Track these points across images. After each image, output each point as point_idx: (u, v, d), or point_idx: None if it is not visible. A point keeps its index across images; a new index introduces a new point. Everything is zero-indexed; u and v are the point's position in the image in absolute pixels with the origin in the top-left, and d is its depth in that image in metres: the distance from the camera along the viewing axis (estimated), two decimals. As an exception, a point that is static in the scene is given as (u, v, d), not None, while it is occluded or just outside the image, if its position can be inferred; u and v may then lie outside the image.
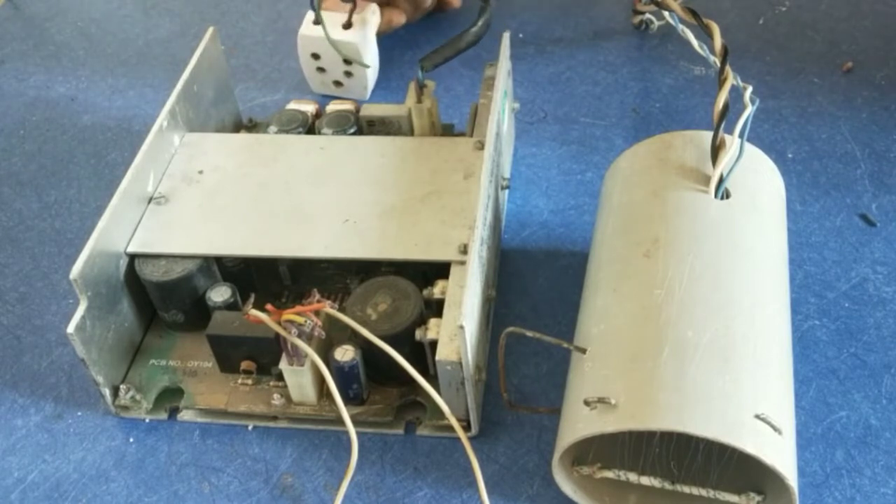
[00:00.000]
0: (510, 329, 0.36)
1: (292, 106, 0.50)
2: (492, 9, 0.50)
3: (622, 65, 0.59)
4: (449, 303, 0.38)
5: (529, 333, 0.36)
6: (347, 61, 0.53)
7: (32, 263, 0.49)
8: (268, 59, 0.61)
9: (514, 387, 0.41)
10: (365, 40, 0.53)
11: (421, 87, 0.47)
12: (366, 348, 0.38)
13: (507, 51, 0.47)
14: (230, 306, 0.41)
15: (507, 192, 0.49)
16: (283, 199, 0.43)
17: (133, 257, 0.42)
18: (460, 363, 0.36)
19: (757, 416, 0.31)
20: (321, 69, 0.54)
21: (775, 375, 0.33)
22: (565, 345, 0.36)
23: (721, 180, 0.38)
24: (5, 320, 0.46)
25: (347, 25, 0.53)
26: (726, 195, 0.38)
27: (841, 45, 0.58)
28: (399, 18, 0.57)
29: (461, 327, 0.34)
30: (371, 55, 0.54)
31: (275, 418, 0.41)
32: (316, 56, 0.54)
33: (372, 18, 0.54)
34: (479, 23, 0.49)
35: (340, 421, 0.37)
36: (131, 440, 0.41)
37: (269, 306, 0.37)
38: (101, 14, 0.68)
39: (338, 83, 0.55)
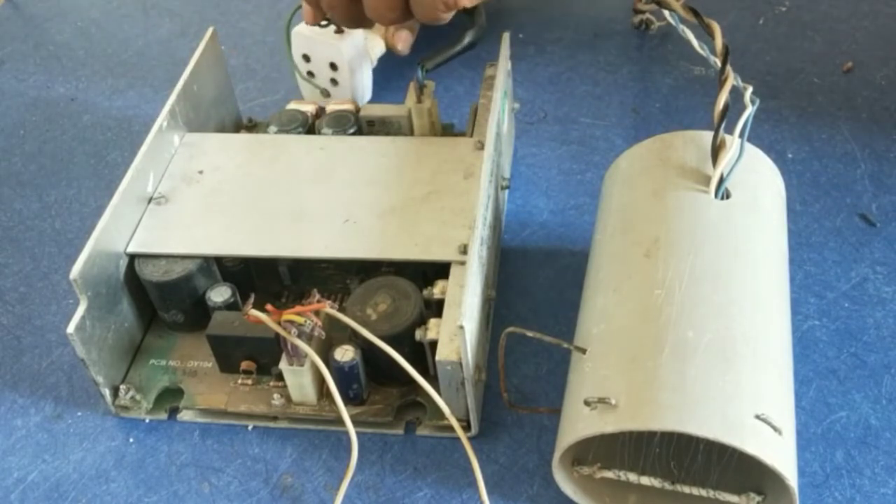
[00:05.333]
0: (510, 329, 0.36)
1: (292, 106, 0.49)
2: (485, 11, 0.50)
3: (622, 65, 0.59)
4: (449, 303, 0.38)
5: (529, 333, 0.36)
6: (334, 66, 0.52)
7: (32, 263, 0.49)
8: (268, 59, 0.61)
9: (514, 387, 0.41)
10: (353, 47, 0.52)
11: (421, 88, 0.47)
12: (366, 348, 0.38)
13: (507, 51, 0.47)
14: (230, 306, 0.41)
15: (507, 192, 0.49)
16: (283, 199, 0.43)
17: (133, 257, 0.42)
18: (460, 363, 0.36)
19: (757, 417, 0.31)
20: (311, 73, 0.54)
21: (775, 375, 0.33)
22: (565, 345, 0.36)
23: (721, 180, 0.38)
24: (5, 320, 0.46)
25: (339, 31, 0.52)
26: (726, 195, 0.38)
27: (841, 45, 0.58)
28: (409, 37, 0.56)
29: (461, 327, 0.34)
30: (358, 67, 0.52)
31: (275, 418, 0.41)
32: (307, 58, 0.53)
33: (373, 43, 0.54)
34: (477, 24, 0.49)
35: (340, 421, 0.37)
36: (131, 440, 0.41)
37: (269, 306, 0.37)
38: (101, 14, 0.68)
39: (325, 92, 0.54)
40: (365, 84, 0.53)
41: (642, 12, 0.60)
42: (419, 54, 0.49)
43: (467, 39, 0.48)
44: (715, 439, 0.31)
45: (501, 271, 0.46)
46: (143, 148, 0.43)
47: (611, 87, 0.57)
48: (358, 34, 0.52)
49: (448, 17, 0.45)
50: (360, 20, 0.47)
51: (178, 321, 0.43)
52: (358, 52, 0.52)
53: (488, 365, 0.41)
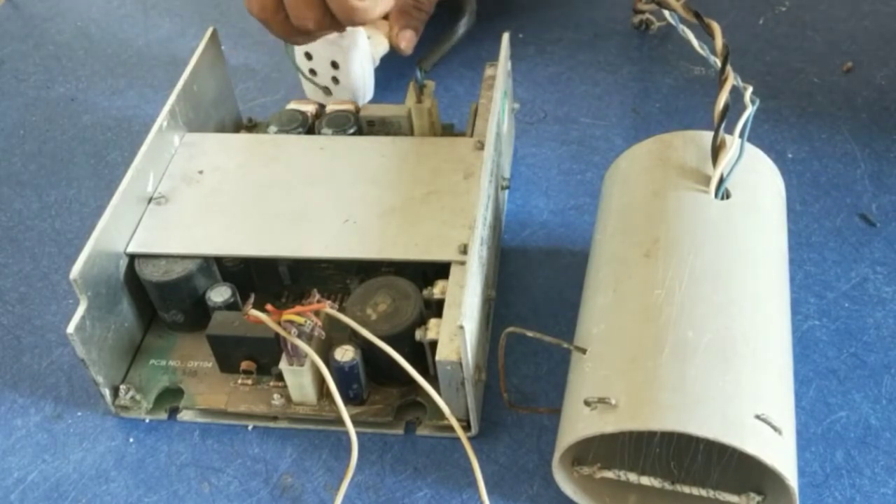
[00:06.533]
0: (510, 329, 0.36)
1: (292, 106, 0.49)
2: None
3: (622, 65, 0.59)
4: (449, 303, 0.38)
5: (529, 333, 0.36)
6: (335, 65, 0.53)
7: (32, 263, 0.49)
8: (268, 59, 0.61)
9: (514, 387, 0.41)
10: (355, 46, 0.52)
11: (420, 88, 0.47)
12: (366, 348, 0.38)
13: (507, 51, 0.47)
14: (230, 306, 0.41)
15: (507, 192, 0.49)
16: (283, 199, 0.43)
17: (133, 257, 0.42)
18: (460, 363, 0.36)
19: (757, 417, 0.31)
20: (313, 71, 0.54)
21: (775, 375, 0.33)
22: (565, 345, 0.36)
23: (721, 180, 0.38)
24: (5, 320, 0.46)
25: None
26: (726, 195, 0.38)
27: (841, 45, 0.58)
28: (412, 36, 0.55)
29: (461, 327, 0.34)
30: (360, 66, 0.52)
31: (275, 418, 0.41)
32: (309, 56, 0.54)
33: (374, 40, 0.54)
34: (467, 14, 0.49)
35: (340, 421, 0.37)
36: (131, 440, 0.41)
37: (269, 306, 0.37)
38: (101, 14, 0.68)
39: (326, 90, 0.54)
40: (367, 83, 0.53)
41: (642, 12, 0.60)
42: (422, 54, 0.49)
43: (460, 30, 0.48)
44: (715, 439, 0.31)
45: (501, 271, 0.46)
46: (143, 148, 0.43)
47: (611, 87, 0.57)
48: (360, 33, 0.52)
49: (366, 6, 0.44)
50: (292, 32, 0.46)
51: (178, 321, 0.43)
52: (359, 50, 0.52)
53: (488, 365, 0.41)
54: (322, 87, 0.54)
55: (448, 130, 0.50)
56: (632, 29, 0.61)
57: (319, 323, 0.37)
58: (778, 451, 0.31)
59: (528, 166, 0.52)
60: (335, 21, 0.45)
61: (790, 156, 0.51)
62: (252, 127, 0.52)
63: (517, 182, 0.51)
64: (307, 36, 0.48)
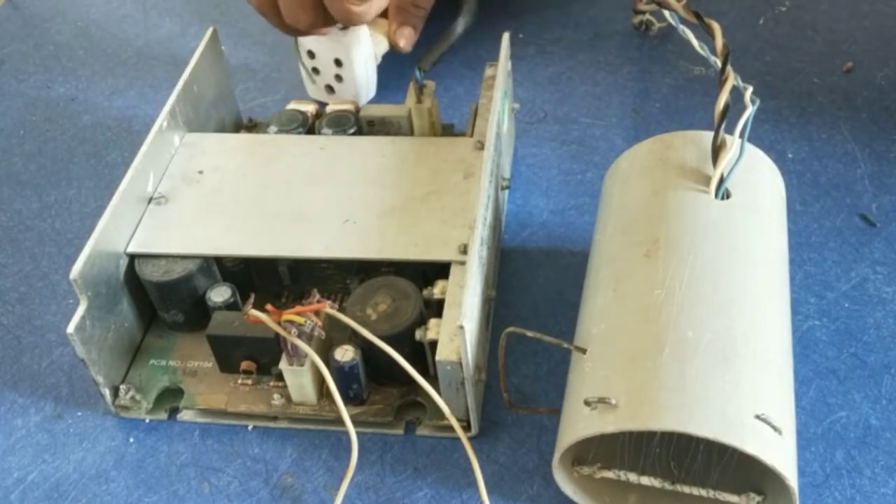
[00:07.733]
0: (510, 329, 0.36)
1: (292, 106, 0.49)
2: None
3: (622, 65, 0.59)
4: (449, 303, 0.38)
5: (529, 333, 0.36)
6: (338, 62, 0.53)
7: (32, 263, 0.49)
8: (268, 59, 0.61)
9: (514, 387, 0.41)
10: (358, 44, 0.52)
11: (420, 88, 0.47)
12: (366, 348, 0.38)
13: (507, 51, 0.47)
14: (230, 306, 0.41)
15: (507, 192, 0.49)
16: (283, 199, 0.43)
17: (133, 257, 0.42)
18: (460, 363, 0.36)
19: (757, 417, 0.31)
20: (315, 70, 0.54)
21: (775, 375, 0.33)
22: (565, 345, 0.36)
23: (721, 180, 0.38)
24: (5, 320, 0.46)
25: (344, 27, 0.52)
26: (727, 195, 0.38)
27: (841, 45, 0.58)
28: (411, 34, 0.55)
29: (461, 327, 0.34)
30: (363, 64, 0.53)
31: (275, 418, 0.41)
32: (311, 54, 0.54)
33: (375, 38, 0.54)
34: (465, 12, 0.49)
35: (340, 421, 0.37)
36: (131, 440, 0.41)
37: (269, 306, 0.37)
38: (101, 14, 0.68)
39: (329, 88, 0.54)
40: (370, 81, 0.53)
41: (643, 13, 0.60)
42: (421, 54, 0.49)
43: (458, 29, 0.48)
44: (715, 439, 0.31)
45: (501, 271, 0.46)
46: (143, 148, 0.43)
47: (611, 87, 0.57)
48: (363, 30, 0.52)
49: (363, 10, 0.45)
50: (286, 28, 0.48)
51: (178, 321, 0.43)
52: (362, 48, 0.52)
53: (488, 365, 0.41)
54: (325, 85, 0.54)
55: (448, 130, 0.50)
56: (632, 29, 0.61)
57: (319, 323, 0.37)
58: (778, 451, 0.31)
59: (528, 166, 0.52)
60: (329, 19, 0.46)
61: (790, 156, 0.51)
62: (252, 127, 0.52)
63: (517, 182, 0.51)
64: (301, 33, 0.49)
